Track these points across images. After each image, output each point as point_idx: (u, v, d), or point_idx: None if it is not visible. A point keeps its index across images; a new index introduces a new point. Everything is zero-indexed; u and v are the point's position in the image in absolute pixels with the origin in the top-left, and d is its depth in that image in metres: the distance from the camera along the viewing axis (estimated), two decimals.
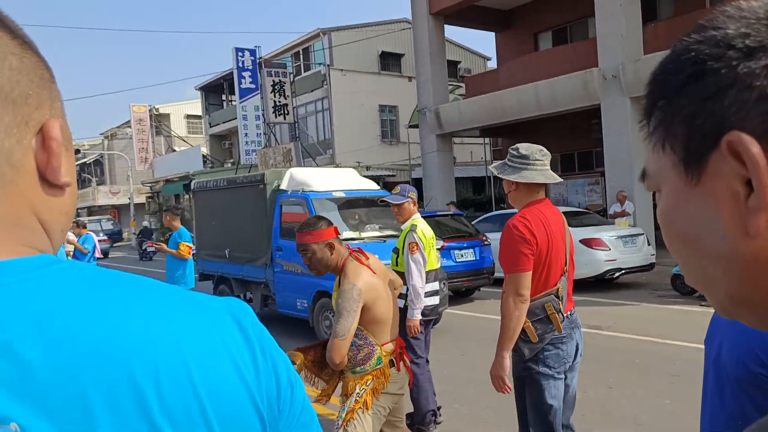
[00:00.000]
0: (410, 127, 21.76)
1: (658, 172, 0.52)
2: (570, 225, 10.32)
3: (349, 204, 7.83)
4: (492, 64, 26.60)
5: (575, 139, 17.42)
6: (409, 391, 4.23)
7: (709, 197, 0.46)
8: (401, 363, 2.88)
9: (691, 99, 0.46)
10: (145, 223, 27.18)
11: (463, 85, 22.17)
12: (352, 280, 2.67)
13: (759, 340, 1.13)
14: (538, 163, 2.85)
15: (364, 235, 7.41)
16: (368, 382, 2.74)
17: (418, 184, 20.17)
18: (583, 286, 10.00)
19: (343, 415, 2.71)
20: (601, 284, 10.12)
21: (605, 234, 9.80)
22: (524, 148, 2.88)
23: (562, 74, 14.25)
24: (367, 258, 2.85)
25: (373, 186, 8.69)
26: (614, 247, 9.67)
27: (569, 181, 18.59)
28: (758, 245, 0.44)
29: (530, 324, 2.72)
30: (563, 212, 11.26)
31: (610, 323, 7.43)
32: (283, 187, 7.89)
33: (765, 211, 0.42)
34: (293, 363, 2.86)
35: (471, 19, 19.08)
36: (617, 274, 9.82)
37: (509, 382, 2.82)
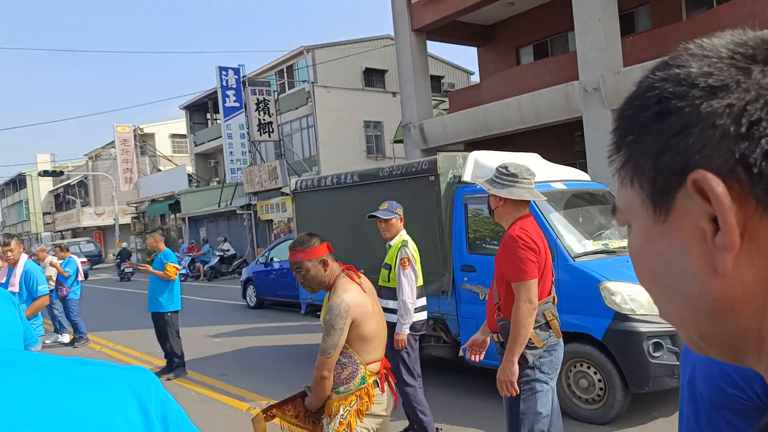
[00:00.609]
0: (395, 142, 21.84)
1: (627, 208, 0.52)
2: None
3: (573, 200, 5.63)
4: (475, 79, 26.84)
5: (559, 152, 17.53)
6: (410, 409, 4.22)
7: (677, 234, 0.46)
8: (386, 384, 2.85)
9: (657, 136, 0.46)
10: (124, 245, 27.38)
11: (446, 99, 22.33)
12: (340, 295, 2.67)
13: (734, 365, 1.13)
14: (525, 182, 3.00)
15: (614, 245, 5.09)
16: (352, 403, 2.71)
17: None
18: None
19: None
20: None
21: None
22: (513, 167, 3.03)
23: (544, 88, 14.40)
24: (359, 276, 2.88)
25: (584, 176, 6.62)
26: None
27: None
28: (726, 283, 0.43)
29: (534, 331, 2.82)
30: None
31: None
32: (466, 178, 5.69)
33: (731, 250, 0.42)
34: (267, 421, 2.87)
35: (453, 35, 19.26)
36: None
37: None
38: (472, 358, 3.23)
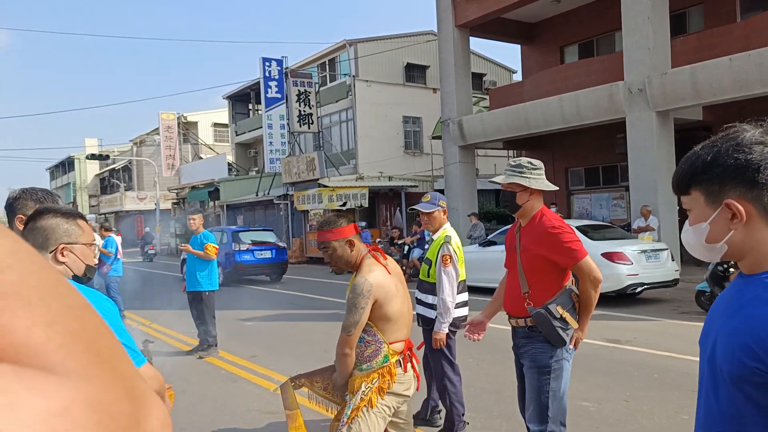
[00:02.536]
0: (433, 138, 21.79)
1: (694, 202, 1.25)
2: (592, 238, 10.24)
3: None
4: (518, 78, 26.54)
5: (600, 153, 17.26)
6: (447, 401, 4.22)
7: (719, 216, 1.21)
8: (408, 365, 2.87)
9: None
10: (147, 229, 30.05)
11: (487, 97, 22.15)
12: (365, 275, 2.71)
13: (753, 336, 1.12)
14: (543, 174, 3.17)
15: None
16: (374, 381, 2.74)
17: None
18: (603, 300, 9.85)
19: (348, 413, 2.72)
20: (623, 299, 9.95)
21: (628, 248, 9.66)
22: (533, 160, 3.18)
23: (587, 87, 14.16)
24: (386, 258, 2.92)
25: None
26: (636, 262, 9.51)
27: (593, 195, 18.39)
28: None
29: (567, 312, 2.96)
30: (586, 225, 11.19)
31: (630, 338, 7.30)
32: None
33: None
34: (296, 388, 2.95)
35: (496, 32, 19.09)
36: (639, 289, 9.64)
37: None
38: (472, 338, 3.44)
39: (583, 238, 10.13)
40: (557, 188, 3.54)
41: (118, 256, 10.62)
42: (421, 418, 4.60)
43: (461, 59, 17.60)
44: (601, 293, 9.91)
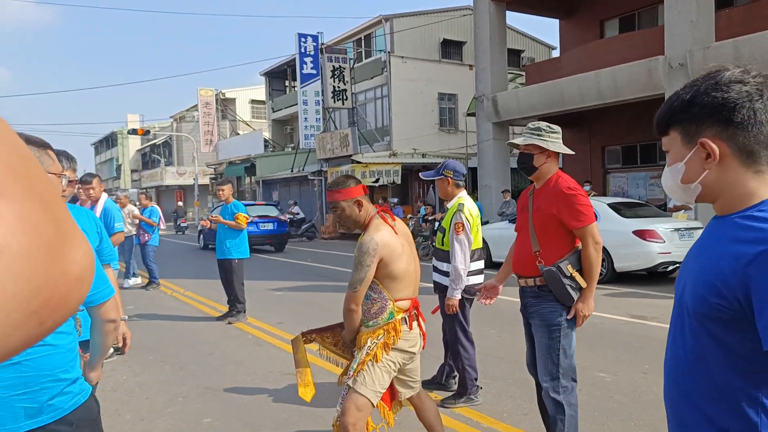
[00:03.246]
0: (468, 115, 21.59)
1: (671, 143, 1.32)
2: (624, 216, 10.11)
3: None
4: (557, 54, 25.96)
5: (638, 131, 16.83)
6: (460, 366, 4.29)
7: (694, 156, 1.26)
8: (414, 323, 2.94)
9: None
10: (180, 204, 32.50)
11: (524, 73, 21.78)
12: (371, 234, 2.78)
13: (716, 273, 1.14)
14: (560, 138, 3.22)
15: None
16: (379, 336, 2.83)
17: (474, 172, 20.01)
18: (634, 278, 9.74)
19: (354, 367, 2.81)
20: (654, 277, 9.80)
21: (660, 226, 9.48)
22: (551, 125, 3.22)
23: (626, 63, 13.78)
24: (394, 219, 2.99)
25: None
26: (669, 240, 9.33)
27: (630, 174, 18.00)
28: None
29: (577, 272, 3.03)
30: (618, 203, 11.02)
31: (656, 314, 7.21)
32: None
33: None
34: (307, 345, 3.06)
35: (534, 6, 18.68)
36: (671, 268, 9.48)
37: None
38: (486, 302, 3.52)
39: (615, 216, 10.01)
40: (573, 152, 3.62)
41: (160, 225, 10.98)
42: (436, 383, 4.69)
43: (497, 34, 17.31)
44: (631, 271, 9.77)
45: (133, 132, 32.58)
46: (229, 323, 7.40)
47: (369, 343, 2.83)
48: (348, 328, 2.94)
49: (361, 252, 2.75)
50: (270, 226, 17.61)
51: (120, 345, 3.47)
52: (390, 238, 2.81)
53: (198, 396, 4.69)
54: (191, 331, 7.05)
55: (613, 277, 9.69)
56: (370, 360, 2.79)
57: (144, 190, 40.97)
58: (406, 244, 2.92)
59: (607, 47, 16.17)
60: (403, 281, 2.86)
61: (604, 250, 9.81)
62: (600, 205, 10.33)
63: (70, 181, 3.23)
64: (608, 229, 9.82)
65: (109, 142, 58.12)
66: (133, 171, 52.88)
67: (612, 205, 10.30)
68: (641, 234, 9.37)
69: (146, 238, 10.66)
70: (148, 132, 36.76)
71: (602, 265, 9.81)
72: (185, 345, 6.38)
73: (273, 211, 18.35)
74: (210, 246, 18.69)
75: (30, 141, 2.01)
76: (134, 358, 5.78)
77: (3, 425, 1.65)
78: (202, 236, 19.76)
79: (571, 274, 3.02)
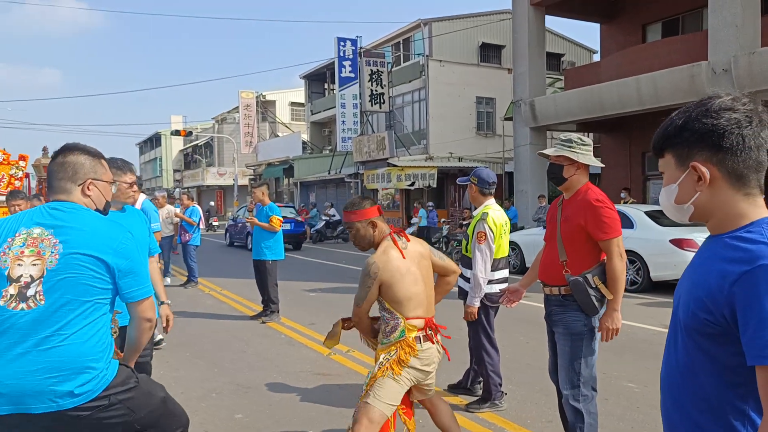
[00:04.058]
0: (506, 119, 21.47)
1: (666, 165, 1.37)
2: (661, 224, 9.95)
3: None
4: (598, 58, 25.60)
5: None
6: (485, 372, 4.35)
7: (687, 179, 1.33)
8: (428, 342, 3.00)
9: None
10: (212, 203, 34.78)
11: (563, 78, 21.55)
12: (374, 257, 2.91)
13: (706, 290, 1.20)
14: (591, 151, 3.25)
15: None
16: (392, 353, 2.92)
17: (511, 177, 19.90)
18: (671, 287, 9.56)
19: (368, 381, 2.93)
20: None
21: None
22: (582, 137, 3.26)
23: (668, 68, 13.53)
24: (408, 240, 3.06)
25: None
26: None
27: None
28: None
29: (602, 284, 3.07)
30: (656, 211, 10.79)
31: None
32: None
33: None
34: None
35: (575, 10, 18.48)
36: None
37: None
38: (508, 305, 3.61)
39: (651, 224, 9.86)
40: (603, 165, 3.64)
41: (200, 225, 11.31)
42: (462, 387, 4.75)
43: (535, 38, 17.20)
44: (669, 281, 9.57)
45: (176, 133, 33.43)
46: (263, 322, 7.58)
47: (382, 358, 2.92)
48: (363, 332, 3.20)
49: (363, 273, 2.91)
50: (288, 226, 18.35)
51: (164, 326, 3.72)
52: (394, 262, 2.90)
53: (231, 392, 4.86)
54: (226, 329, 7.26)
55: (648, 286, 9.54)
56: (383, 374, 2.86)
57: (186, 190, 41.95)
58: (414, 266, 2.97)
59: (648, 52, 15.89)
60: (411, 302, 2.93)
61: (640, 258, 9.67)
62: (636, 212, 10.18)
63: (130, 184, 3.54)
64: (644, 237, 9.69)
65: (152, 142, 59.70)
66: (175, 171, 54.19)
67: (649, 213, 10.15)
68: (678, 243, 9.21)
69: (187, 237, 10.98)
70: (190, 133, 37.66)
71: (638, 274, 9.71)
72: (220, 342, 6.59)
73: (290, 212, 19.67)
74: (236, 243, 20.75)
75: (85, 151, 2.17)
76: (172, 354, 6.00)
77: (42, 403, 1.86)
78: (228, 234, 21.77)
79: (597, 285, 3.06)
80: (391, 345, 2.93)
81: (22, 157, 8.90)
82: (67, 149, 2.15)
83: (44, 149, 11.60)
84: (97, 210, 2.15)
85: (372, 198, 3.11)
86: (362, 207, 2.98)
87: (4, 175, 8.61)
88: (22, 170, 8.91)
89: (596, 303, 3.06)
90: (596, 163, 3.29)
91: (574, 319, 3.11)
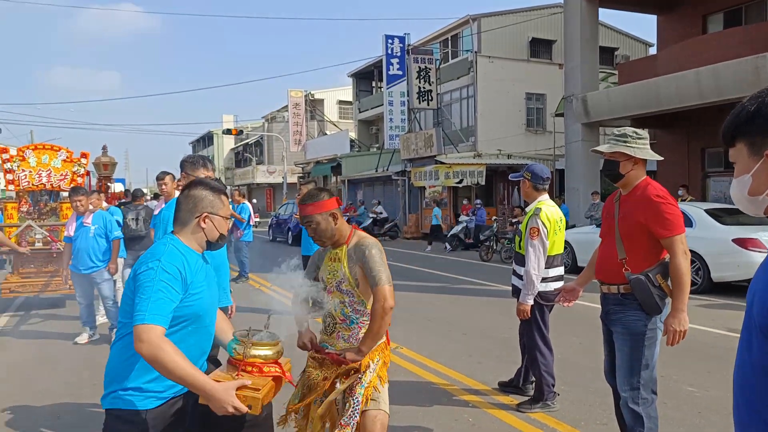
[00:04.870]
0: (556, 115, 21.03)
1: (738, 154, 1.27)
2: (723, 223, 9.60)
3: None
4: (654, 51, 24.78)
5: None
6: (537, 372, 4.26)
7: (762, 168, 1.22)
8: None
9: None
10: (254, 201, 34.64)
11: (617, 72, 20.94)
12: (371, 239, 2.77)
13: None
14: (648, 144, 3.14)
15: None
16: (376, 359, 2.72)
17: (561, 174, 19.48)
18: (733, 289, 9.16)
19: (363, 391, 2.65)
20: None
21: (764, 234, 8.85)
22: (638, 130, 3.15)
23: (731, 60, 12.96)
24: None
25: None
26: None
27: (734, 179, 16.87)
28: None
29: (665, 282, 2.96)
30: (717, 209, 10.43)
31: None
32: None
33: None
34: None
35: (630, 1, 17.94)
36: None
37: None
38: (565, 304, 3.51)
39: (712, 223, 9.46)
40: (662, 158, 3.49)
41: (250, 223, 11.52)
42: (513, 386, 4.66)
43: (588, 32, 16.76)
44: (731, 282, 9.24)
45: (228, 132, 34.16)
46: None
47: (372, 366, 2.70)
48: (382, 332, 2.67)
49: (379, 251, 2.69)
50: None
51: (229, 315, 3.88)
52: None
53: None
54: (275, 325, 7.34)
55: (709, 287, 9.17)
56: (377, 382, 2.70)
57: (237, 187, 42.97)
58: None
59: (709, 44, 15.25)
60: None
61: (700, 258, 9.29)
62: (696, 210, 9.79)
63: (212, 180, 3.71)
64: (705, 237, 9.30)
65: (205, 141, 61.23)
66: (226, 169, 55.43)
67: (710, 211, 9.74)
68: (742, 243, 8.80)
69: (239, 234, 11.19)
70: (241, 132, 38.43)
71: (698, 275, 9.33)
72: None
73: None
74: (278, 239, 21.79)
75: (209, 186, 2.31)
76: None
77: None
78: (270, 230, 22.87)
79: (660, 284, 2.94)
80: (373, 351, 2.69)
81: (84, 155, 9.24)
82: (194, 184, 2.32)
83: (104, 148, 12.00)
84: (208, 242, 2.28)
85: (330, 190, 2.89)
86: (320, 198, 2.75)
87: (67, 172, 8.97)
88: (84, 167, 9.25)
89: (659, 302, 2.94)
90: (654, 157, 3.15)
91: (635, 318, 3.00)
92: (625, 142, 3.07)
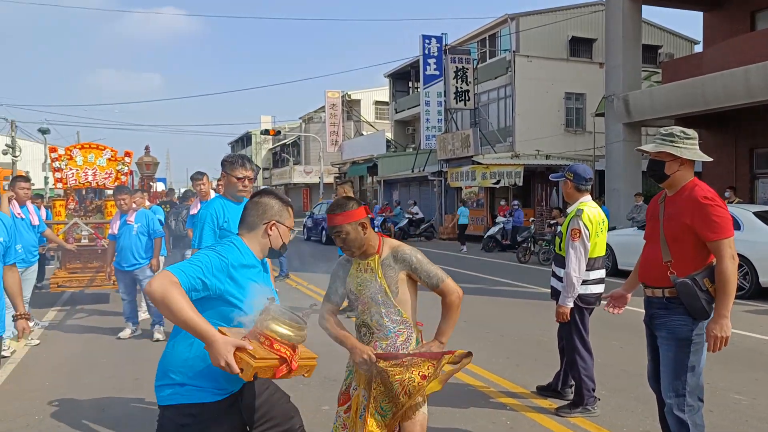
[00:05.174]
0: (597, 115, 20.63)
1: None
2: None
3: None
4: (700, 49, 24.08)
5: None
6: (577, 377, 4.17)
7: None
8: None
9: None
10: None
11: (660, 71, 20.42)
12: (410, 246, 2.75)
13: None
14: (697, 144, 3.02)
15: None
16: (425, 368, 2.63)
17: (601, 175, 19.10)
18: None
19: (403, 392, 2.60)
20: None
21: None
22: (686, 130, 3.02)
23: None
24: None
25: None
26: None
27: None
28: None
29: (713, 287, 2.86)
30: (766, 212, 10.20)
31: None
32: None
33: None
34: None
35: None
36: None
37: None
38: (613, 311, 3.39)
39: (761, 225, 9.14)
40: (710, 159, 3.36)
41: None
42: (552, 389, 4.58)
43: (630, 30, 16.39)
44: None
45: (266, 132, 34.60)
46: (348, 317, 7.66)
47: (425, 372, 2.63)
48: (455, 320, 2.76)
49: (423, 255, 2.73)
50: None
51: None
52: None
53: (318, 385, 4.93)
54: (314, 323, 7.39)
55: (756, 292, 8.86)
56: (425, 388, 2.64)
57: (274, 188, 43.34)
58: None
59: (758, 40, 14.73)
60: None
61: (748, 262, 8.98)
62: (744, 213, 9.47)
63: (239, 178, 3.85)
64: (753, 240, 8.99)
65: (243, 141, 62.15)
66: (264, 169, 56.16)
67: (759, 214, 9.42)
68: None
69: None
70: (278, 132, 38.88)
71: (745, 279, 9.02)
72: (308, 335, 6.71)
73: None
74: (312, 238, 22.27)
75: (277, 197, 2.42)
76: None
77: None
78: (305, 229, 23.41)
79: (708, 288, 2.85)
80: (426, 362, 2.63)
81: (128, 154, 9.49)
82: (263, 192, 2.45)
83: (146, 148, 12.30)
84: (271, 248, 2.36)
85: (358, 199, 2.83)
86: (350, 208, 2.68)
87: (112, 170, 9.22)
88: (128, 166, 9.49)
89: (706, 307, 2.84)
90: (702, 158, 3.02)
91: (680, 323, 2.91)
92: (671, 141, 2.97)
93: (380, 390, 2.65)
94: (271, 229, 2.33)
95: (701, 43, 20.01)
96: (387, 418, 2.61)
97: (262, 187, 12.53)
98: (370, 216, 2.77)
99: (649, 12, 16.67)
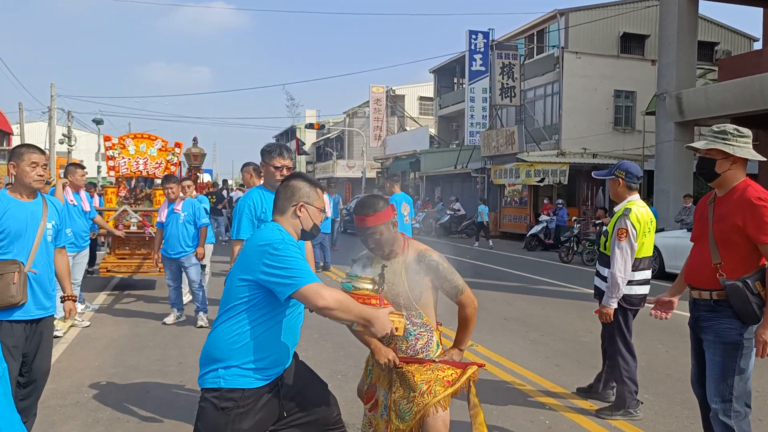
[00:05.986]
0: (647, 114, 20.07)
1: None
2: None
3: None
4: (759, 46, 23.11)
5: None
6: (619, 378, 4.09)
7: None
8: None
9: None
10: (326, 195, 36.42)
11: (716, 68, 19.71)
12: (435, 252, 2.72)
13: None
14: (750, 143, 2.92)
15: None
16: (451, 374, 2.66)
17: (649, 176, 18.59)
18: None
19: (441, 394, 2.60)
20: None
21: None
22: (739, 128, 2.93)
23: None
24: None
25: None
26: None
27: None
28: None
29: (765, 290, 2.78)
30: None
31: None
32: None
33: None
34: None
35: None
36: None
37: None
38: (661, 317, 3.29)
39: None
40: (764, 159, 3.25)
41: (326, 215, 11.75)
42: (593, 391, 4.50)
43: (686, 26, 15.86)
44: None
45: (310, 126, 34.93)
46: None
47: (457, 378, 2.66)
48: (472, 329, 2.82)
49: (446, 262, 2.71)
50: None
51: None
52: None
53: (356, 376, 4.96)
54: (338, 326, 7.44)
55: None
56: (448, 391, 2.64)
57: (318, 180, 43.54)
58: None
59: None
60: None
61: None
62: None
63: (288, 168, 3.89)
64: None
65: (288, 135, 62.85)
66: (308, 162, 56.72)
67: None
68: None
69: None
70: (323, 126, 39.23)
71: None
72: (345, 327, 6.76)
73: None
74: (349, 231, 21.92)
75: (306, 179, 2.47)
76: (302, 335, 6.25)
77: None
78: (343, 222, 23.20)
79: (759, 291, 2.75)
80: (450, 368, 2.66)
81: (178, 144, 9.74)
82: (293, 176, 2.49)
83: (194, 139, 12.58)
84: (303, 230, 2.41)
85: (386, 198, 2.79)
86: (382, 208, 2.63)
87: (162, 160, 9.48)
88: (177, 156, 9.74)
89: (757, 311, 2.75)
90: (756, 157, 2.92)
91: (728, 326, 2.82)
92: (724, 139, 2.88)
93: (400, 393, 2.66)
94: (300, 211, 2.37)
95: (761, 41, 19.19)
96: (406, 422, 2.60)
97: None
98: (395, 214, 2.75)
99: (705, 8, 16.10)
